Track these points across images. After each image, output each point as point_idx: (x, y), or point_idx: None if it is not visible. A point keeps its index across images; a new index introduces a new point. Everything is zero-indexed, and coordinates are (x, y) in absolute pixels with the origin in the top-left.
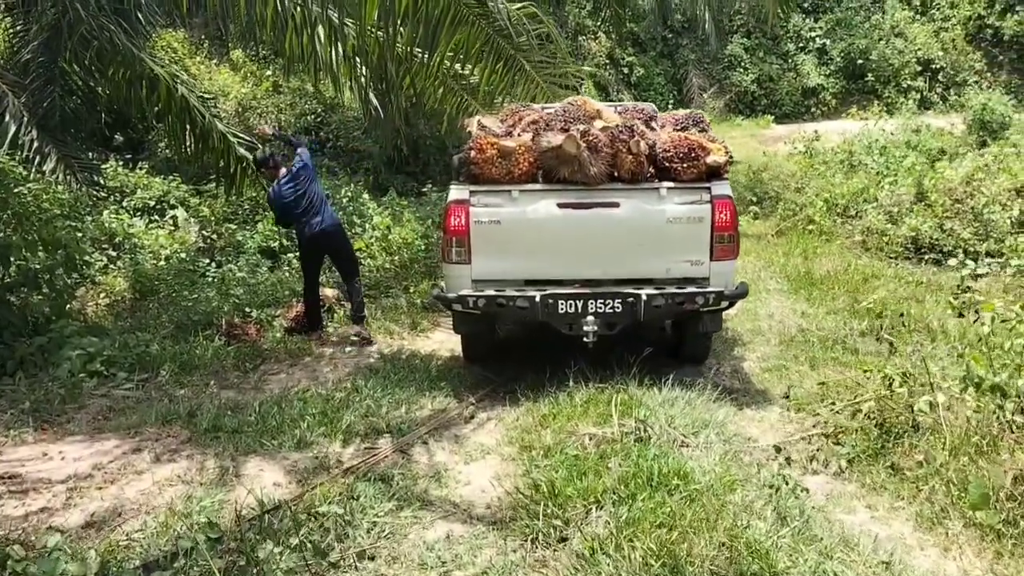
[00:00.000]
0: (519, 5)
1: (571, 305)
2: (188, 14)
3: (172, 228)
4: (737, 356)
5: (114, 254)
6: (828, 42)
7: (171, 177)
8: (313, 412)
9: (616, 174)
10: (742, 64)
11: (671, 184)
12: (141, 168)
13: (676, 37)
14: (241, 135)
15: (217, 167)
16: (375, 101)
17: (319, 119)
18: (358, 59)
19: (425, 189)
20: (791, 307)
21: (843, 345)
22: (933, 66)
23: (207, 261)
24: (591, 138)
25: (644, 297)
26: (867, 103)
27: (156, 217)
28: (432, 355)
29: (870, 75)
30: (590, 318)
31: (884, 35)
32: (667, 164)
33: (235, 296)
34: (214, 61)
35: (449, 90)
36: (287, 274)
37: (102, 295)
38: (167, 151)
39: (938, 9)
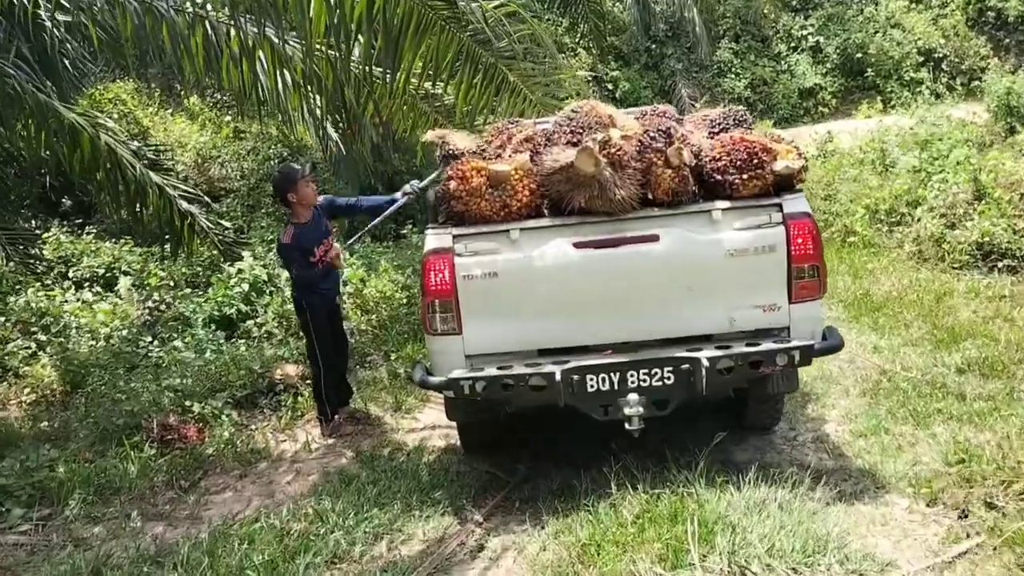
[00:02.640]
0: (496, 3)
1: (605, 380)
2: (137, 63)
3: (118, 300)
4: (813, 416)
5: (44, 338)
6: (821, 39)
7: (123, 241)
8: (260, 561)
9: (651, 196)
10: (732, 69)
11: (727, 204)
12: (89, 233)
13: (660, 47)
14: (183, 186)
15: (160, 226)
16: (334, 135)
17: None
18: (309, 86)
19: (404, 231)
20: (858, 340)
21: (944, 390)
22: (935, 55)
23: (150, 339)
24: (613, 150)
25: (704, 361)
26: (870, 100)
27: (99, 288)
28: (421, 447)
29: (870, 70)
30: (632, 396)
31: (880, 27)
32: (718, 177)
33: (172, 387)
34: (168, 111)
35: (421, 114)
36: (243, 348)
37: (27, 390)
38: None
39: None
